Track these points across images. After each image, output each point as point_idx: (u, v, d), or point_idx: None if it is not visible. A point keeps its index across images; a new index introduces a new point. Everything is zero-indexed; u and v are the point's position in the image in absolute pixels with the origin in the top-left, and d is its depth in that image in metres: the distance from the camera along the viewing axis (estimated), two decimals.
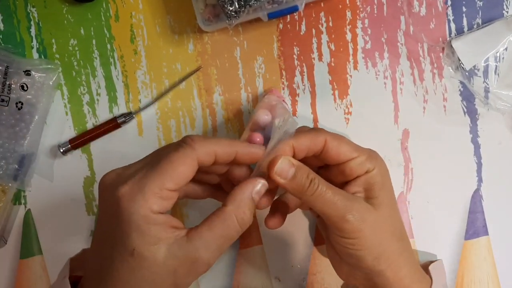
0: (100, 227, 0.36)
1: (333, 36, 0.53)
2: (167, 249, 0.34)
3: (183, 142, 0.35)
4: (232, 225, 0.35)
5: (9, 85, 0.50)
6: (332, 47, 0.53)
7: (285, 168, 0.37)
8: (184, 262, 0.34)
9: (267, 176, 0.38)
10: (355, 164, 0.39)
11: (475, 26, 0.53)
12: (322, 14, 0.52)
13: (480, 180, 0.53)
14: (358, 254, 0.38)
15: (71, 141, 0.52)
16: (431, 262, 0.47)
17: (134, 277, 0.34)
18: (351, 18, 0.53)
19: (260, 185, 0.37)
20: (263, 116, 0.43)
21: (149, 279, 0.34)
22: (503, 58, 0.53)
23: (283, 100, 0.50)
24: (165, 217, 0.34)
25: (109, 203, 0.34)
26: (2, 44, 0.53)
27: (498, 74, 0.53)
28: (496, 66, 0.53)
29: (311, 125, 0.53)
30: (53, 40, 0.53)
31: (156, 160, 0.35)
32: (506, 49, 0.53)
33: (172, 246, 0.34)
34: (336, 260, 0.41)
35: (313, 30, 0.53)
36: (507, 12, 0.53)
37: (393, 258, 0.39)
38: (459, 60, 0.52)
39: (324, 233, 0.45)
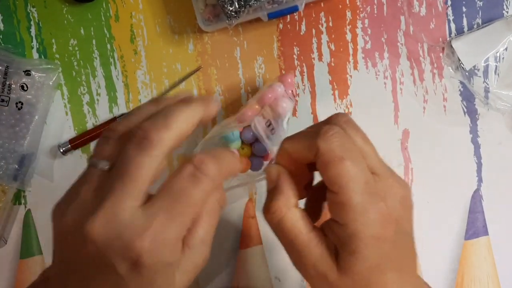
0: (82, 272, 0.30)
1: (333, 36, 0.53)
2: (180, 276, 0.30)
3: (196, 173, 0.29)
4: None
5: (9, 85, 0.50)
6: (332, 47, 0.53)
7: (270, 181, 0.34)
8: (189, 277, 0.30)
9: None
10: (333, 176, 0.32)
11: (475, 26, 0.53)
12: (322, 14, 0.52)
13: (480, 180, 0.53)
14: (364, 253, 0.30)
15: (71, 141, 0.52)
16: None
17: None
18: (351, 18, 0.53)
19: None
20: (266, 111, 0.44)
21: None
22: (503, 58, 0.53)
23: (292, 92, 0.49)
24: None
25: (118, 257, 0.28)
26: (2, 44, 0.53)
27: (498, 74, 0.53)
28: (496, 66, 0.53)
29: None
30: (53, 40, 0.53)
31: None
32: (506, 49, 0.53)
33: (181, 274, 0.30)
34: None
35: (313, 30, 0.53)
36: (507, 12, 0.53)
37: (389, 261, 0.31)
38: (459, 60, 0.52)
39: None
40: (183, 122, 0.30)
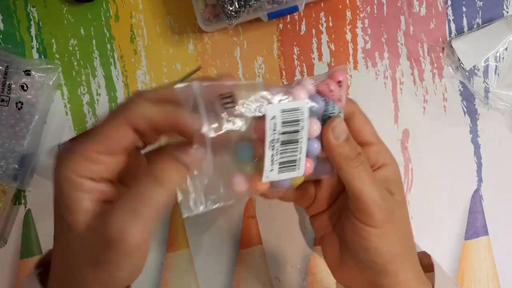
0: None
1: (333, 36, 0.53)
2: (89, 219, 0.31)
3: (125, 103, 0.32)
4: (146, 183, 0.30)
5: (9, 85, 0.50)
6: (332, 47, 0.53)
7: (340, 129, 0.34)
8: (98, 232, 0.30)
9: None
10: (372, 152, 0.37)
11: (475, 26, 0.53)
12: (322, 14, 0.52)
13: (480, 180, 0.53)
14: (380, 247, 0.35)
15: (71, 141, 0.52)
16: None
17: (63, 248, 0.32)
18: (351, 18, 0.53)
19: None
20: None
21: (74, 251, 0.31)
22: (503, 58, 0.53)
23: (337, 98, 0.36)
24: (94, 186, 0.31)
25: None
26: (2, 44, 0.53)
27: (498, 74, 0.53)
28: (496, 66, 0.53)
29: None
30: (53, 40, 0.53)
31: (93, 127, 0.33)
32: (506, 49, 0.53)
33: (93, 218, 0.31)
34: (336, 260, 0.39)
35: (313, 30, 0.53)
36: (507, 12, 0.53)
37: (405, 259, 0.37)
38: (459, 60, 0.52)
39: (321, 232, 0.41)
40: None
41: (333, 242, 0.39)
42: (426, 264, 0.40)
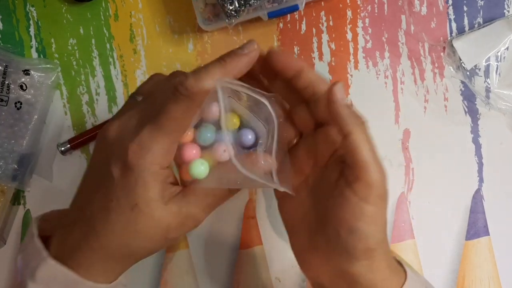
0: (93, 179, 0.36)
1: (333, 35, 0.52)
2: (165, 205, 0.34)
3: (178, 92, 0.32)
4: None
5: (8, 85, 0.50)
6: (333, 46, 0.53)
7: (343, 92, 0.34)
8: (176, 218, 0.34)
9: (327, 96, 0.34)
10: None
11: (476, 26, 0.53)
12: (322, 13, 0.52)
13: (481, 180, 0.53)
14: (366, 229, 0.33)
15: (70, 141, 0.52)
16: None
17: (128, 230, 0.34)
18: (351, 17, 0.52)
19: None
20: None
21: (143, 232, 0.34)
22: (504, 57, 0.53)
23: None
24: (167, 172, 0.34)
25: (115, 158, 0.33)
26: (1, 44, 0.53)
27: (499, 74, 0.53)
28: (497, 65, 0.53)
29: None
30: (52, 40, 0.53)
31: (153, 112, 0.33)
32: (507, 48, 0.52)
33: (169, 203, 0.34)
34: (305, 248, 0.37)
35: (314, 30, 0.52)
36: (508, 11, 0.53)
37: (382, 247, 0.35)
38: (460, 59, 0.52)
39: (292, 218, 0.39)
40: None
41: (302, 228, 0.37)
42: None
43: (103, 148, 0.35)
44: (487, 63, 0.53)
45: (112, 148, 0.34)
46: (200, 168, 0.34)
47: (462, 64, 0.52)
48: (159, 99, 0.33)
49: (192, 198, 0.35)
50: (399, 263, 0.37)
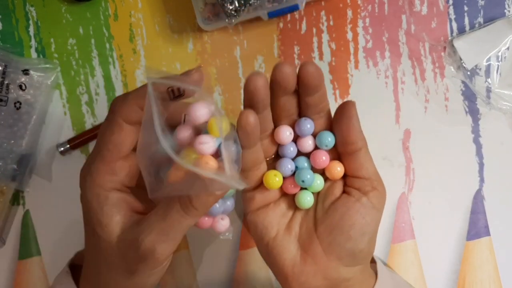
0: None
1: (333, 35, 0.52)
2: (120, 232, 0.34)
3: (109, 111, 0.35)
4: (175, 210, 0.33)
5: (7, 85, 0.50)
6: (333, 46, 0.52)
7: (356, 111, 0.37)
8: (131, 248, 0.33)
9: None
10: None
11: (476, 25, 0.53)
12: (322, 13, 0.52)
13: (482, 180, 0.53)
14: (373, 234, 0.38)
15: (70, 141, 0.52)
16: None
17: (95, 257, 0.36)
18: (352, 17, 0.52)
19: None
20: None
21: (106, 261, 0.35)
22: (505, 57, 0.52)
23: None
24: (122, 196, 0.35)
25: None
26: (1, 44, 0.53)
27: (500, 74, 0.53)
28: (498, 65, 0.52)
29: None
30: (52, 40, 0.53)
31: (97, 139, 0.36)
32: (508, 48, 0.52)
33: (125, 230, 0.34)
34: (295, 259, 0.37)
35: (314, 29, 0.52)
36: (509, 11, 0.53)
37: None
38: (461, 59, 0.52)
39: (274, 229, 0.39)
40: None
41: (290, 239, 0.38)
42: None
43: None
44: (488, 63, 0.53)
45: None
46: (306, 199, 0.38)
47: (463, 64, 0.52)
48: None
49: (143, 225, 0.33)
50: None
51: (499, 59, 0.53)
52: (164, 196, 0.33)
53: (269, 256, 0.38)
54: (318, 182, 0.38)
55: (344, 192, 0.38)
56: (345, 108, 0.36)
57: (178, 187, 0.32)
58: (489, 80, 0.53)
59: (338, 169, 0.37)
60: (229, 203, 0.37)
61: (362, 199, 0.37)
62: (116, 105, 0.34)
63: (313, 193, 0.39)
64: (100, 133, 0.35)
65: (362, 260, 0.38)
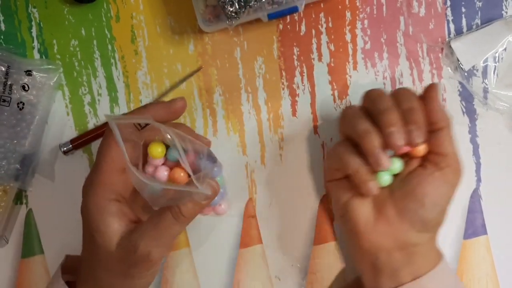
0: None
1: (332, 36, 0.53)
2: (118, 239, 0.38)
3: (106, 128, 0.40)
4: (167, 217, 0.37)
5: (10, 86, 0.50)
6: (332, 47, 0.53)
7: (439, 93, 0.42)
8: (128, 252, 0.37)
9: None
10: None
11: (474, 27, 0.53)
12: (321, 14, 0.53)
13: (479, 179, 0.53)
14: (445, 207, 0.42)
15: (72, 141, 0.52)
16: None
17: (93, 262, 0.40)
18: (350, 18, 0.53)
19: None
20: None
21: (104, 265, 0.39)
22: (502, 58, 0.53)
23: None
24: (120, 207, 0.39)
25: None
26: (3, 45, 0.53)
27: (497, 75, 0.53)
28: (495, 66, 0.53)
29: (311, 126, 0.53)
30: (54, 41, 0.53)
31: (97, 154, 0.40)
32: (505, 49, 0.53)
33: (122, 237, 0.38)
34: (370, 219, 0.43)
35: (313, 31, 0.53)
36: (506, 12, 0.53)
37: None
38: (458, 60, 0.52)
39: (348, 195, 0.44)
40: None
41: (364, 202, 0.43)
42: None
43: None
44: (485, 64, 0.53)
45: None
46: (384, 178, 0.42)
47: (460, 65, 0.52)
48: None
49: (137, 232, 0.38)
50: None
51: (496, 60, 0.53)
52: (162, 206, 0.38)
53: (345, 214, 0.44)
54: (397, 165, 0.43)
55: (421, 165, 0.42)
56: (428, 91, 0.42)
57: (170, 199, 0.37)
58: (486, 80, 0.53)
59: (421, 148, 0.42)
60: (222, 190, 0.42)
61: (436, 173, 0.41)
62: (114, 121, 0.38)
63: None
64: (99, 148, 0.39)
65: (432, 228, 0.43)
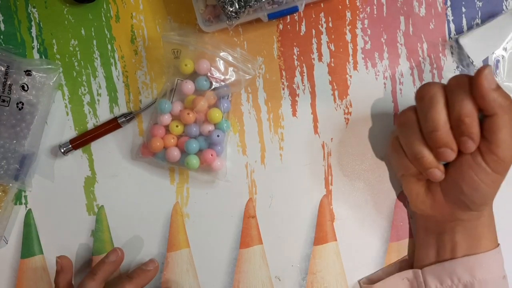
0: None
1: (333, 36, 0.53)
2: None
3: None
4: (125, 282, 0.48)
5: (10, 85, 0.50)
6: (332, 47, 0.53)
7: (491, 76, 0.38)
8: None
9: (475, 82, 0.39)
10: None
11: (474, 26, 0.53)
12: (322, 14, 0.53)
13: None
14: (488, 192, 0.43)
15: (72, 141, 0.52)
16: None
17: None
18: (351, 18, 0.53)
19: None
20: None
21: None
22: (511, 51, 0.52)
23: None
24: None
25: None
26: (3, 45, 0.53)
27: (507, 68, 0.52)
28: (505, 58, 0.52)
29: (311, 126, 0.53)
30: (54, 41, 0.53)
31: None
32: None
33: None
34: (421, 193, 0.46)
35: (313, 31, 0.53)
36: (506, 12, 0.53)
37: (491, 206, 0.47)
38: (468, 57, 0.52)
39: (407, 170, 0.46)
40: None
41: (419, 177, 0.46)
42: None
43: None
44: (495, 57, 0.52)
45: None
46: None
47: (471, 61, 0.52)
48: None
49: None
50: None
51: (506, 53, 0.52)
52: None
53: (402, 184, 0.49)
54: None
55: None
56: (476, 78, 0.38)
57: None
58: (497, 74, 0.52)
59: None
60: (220, 148, 0.50)
61: (477, 158, 0.41)
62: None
63: None
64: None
65: (477, 208, 0.44)
